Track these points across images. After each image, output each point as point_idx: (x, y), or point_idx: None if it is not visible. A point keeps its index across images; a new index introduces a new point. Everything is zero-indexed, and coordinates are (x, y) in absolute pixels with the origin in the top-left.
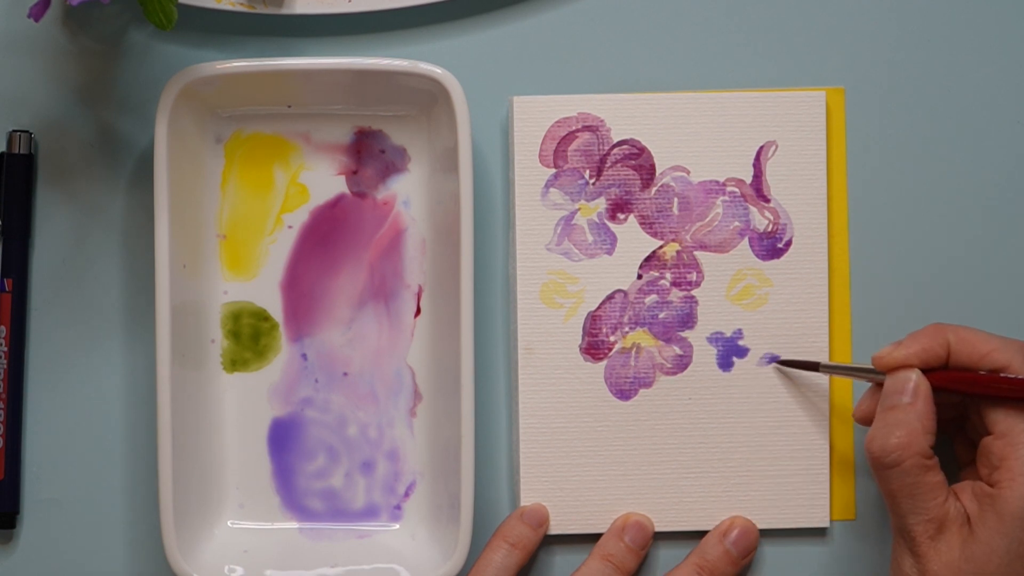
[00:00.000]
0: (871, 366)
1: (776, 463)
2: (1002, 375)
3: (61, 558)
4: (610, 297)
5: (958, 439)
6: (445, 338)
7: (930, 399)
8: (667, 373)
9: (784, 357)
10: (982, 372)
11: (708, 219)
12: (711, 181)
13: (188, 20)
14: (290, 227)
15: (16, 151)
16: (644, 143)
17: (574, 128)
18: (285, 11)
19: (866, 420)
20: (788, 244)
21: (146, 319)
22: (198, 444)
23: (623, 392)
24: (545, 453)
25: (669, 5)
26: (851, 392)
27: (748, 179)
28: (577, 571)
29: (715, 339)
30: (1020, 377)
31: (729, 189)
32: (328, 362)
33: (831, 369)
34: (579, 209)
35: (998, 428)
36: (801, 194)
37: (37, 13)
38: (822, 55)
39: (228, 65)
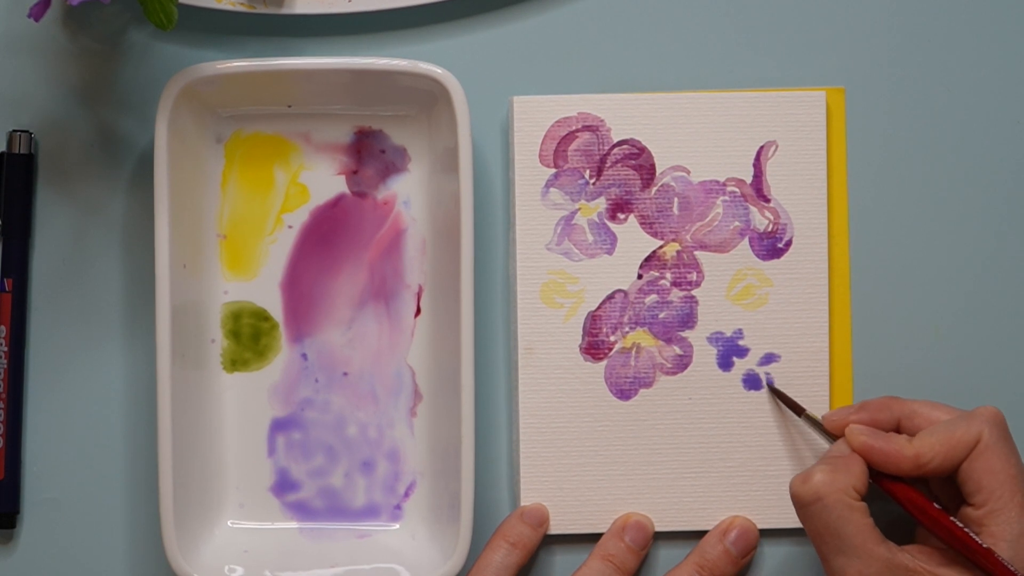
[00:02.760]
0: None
1: (776, 463)
2: (952, 519)
3: (61, 558)
4: (610, 297)
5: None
6: (445, 338)
7: (863, 463)
8: (667, 373)
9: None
10: (936, 506)
11: (708, 219)
12: (711, 181)
13: (188, 20)
14: (290, 227)
15: (16, 151)
16: (644, 143)
17: (574, 128)
18: (285, 11)
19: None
20: (788, 244)
21: (146, 319)
22: (198, 444)
23: (623, 392)
24: (545, 453)
25: (669, 5)
26: (851, 392)
27: (748, 179)
28: (577, 571)
29: (715, 339)
30: (979, 542)
31: (729, 189)
32: (328, 362)
33: (809, 421)
34: (579, 209)
35: (976, 499)
36: (801, 194)
37: (37, 13)
38: (822, 55)
39: (228, 65)
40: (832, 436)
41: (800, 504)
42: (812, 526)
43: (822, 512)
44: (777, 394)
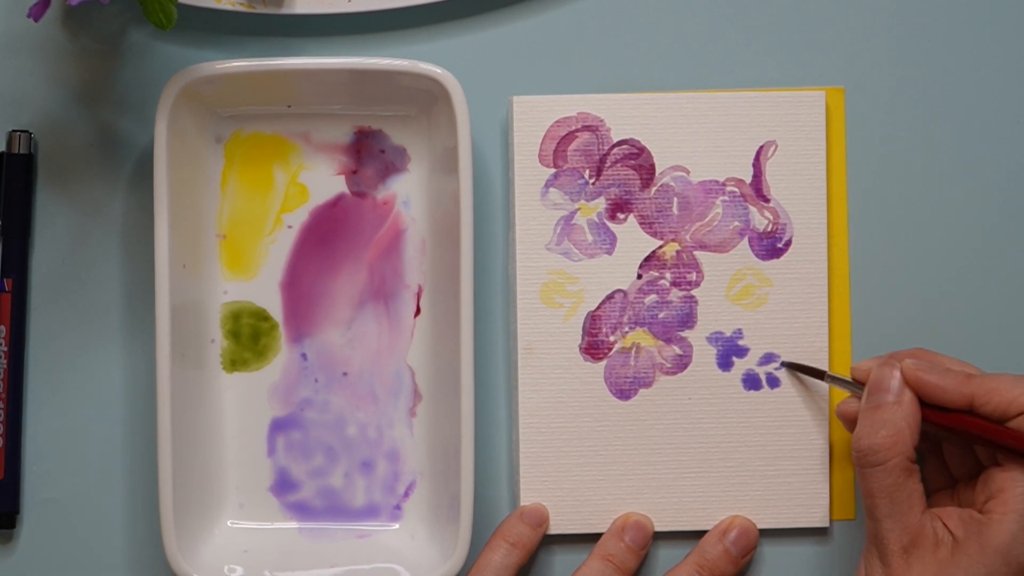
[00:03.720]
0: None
1: (776, 463)
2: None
3: (61, 558)
4: (610, 297)
5: (930, 463)
6: (445, 338)
7: (914, 399)
8: (667, 373)
9: (787, 359)
10: (1009, 425)
11: (708, 219)
12: (711, 181)
13: (188, 20)
14: (290, 227)
15: (16, 151)
16: (644, 143)
17: (574, 128)
18: (285, 11)
19: (847, 417)
20: (788, 244)
21: (146, 319)
22: (198, 444)
23: (623, 392)
24: (545, 453)
25: (669, 5)
26: None
27: (748, 179)
28: (577, 571)
29: (715, 339)
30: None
31: (729, 189)
32: (328, 362)
33: (833, 380)
34: (579, 209)
35: (1006, 461)
36: (801, 194)
37: (37, 13)
38: (822, 55)
39: (228, 65)
40: (860, 385)
41: (864, 464)
42: (869, 487)
43: (883, 475)
44: (793, 367)
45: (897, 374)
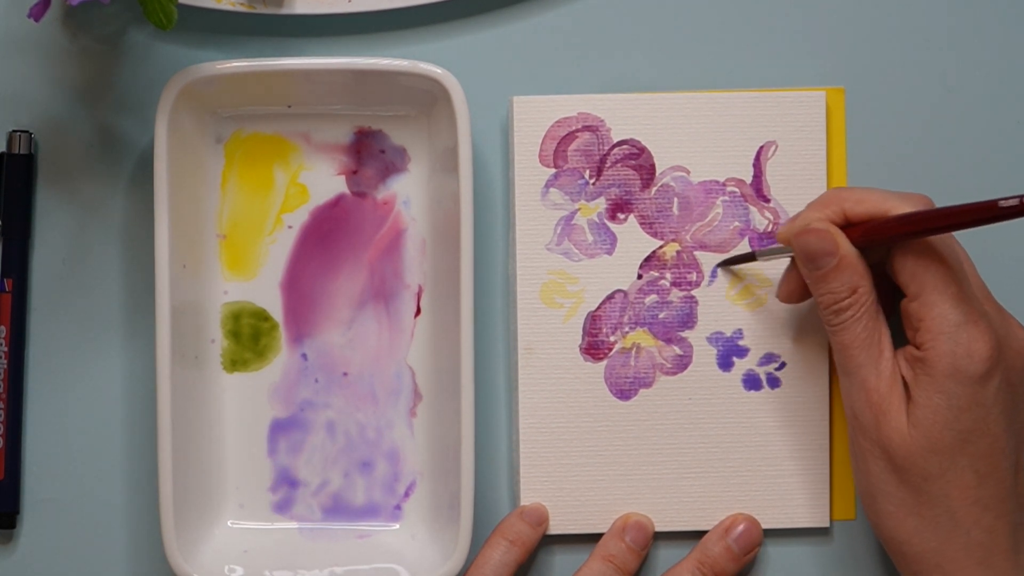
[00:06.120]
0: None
1: (776, 463)
2: (896, 215)
3: (61, 558)
4: (610, 297)
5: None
6: (445, 338)
7: (850, 245)
8: (667, 373)
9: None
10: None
11: (708, 219)
12: (711, 181)
13: (188, 20)
14: (290, 227)
15: (16, 151)
16: (644, 143)
17: (574, 128)
18: (285, 11)
19: (792, 297)
20: None
21: (146, 319)
22: (198, 444)
23: (623, 392)
24: (545, 453)
25: (669, 5)
26: None
27: (748, 179)
28: (578, 572)
29: (715, 339)
30: (915, 211)
31: (729, 189)
32: (328, 362)
33: (765, 253)
34: (579, 209)
35: (911, 289)
36: (801, 194)
37: (37, 13)
38: (822, 55)
39: (228, 65)
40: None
41: (835, 312)
42: (842, 340)
43: (854, 324)
44: (727, 263)
45: (830, 231)
